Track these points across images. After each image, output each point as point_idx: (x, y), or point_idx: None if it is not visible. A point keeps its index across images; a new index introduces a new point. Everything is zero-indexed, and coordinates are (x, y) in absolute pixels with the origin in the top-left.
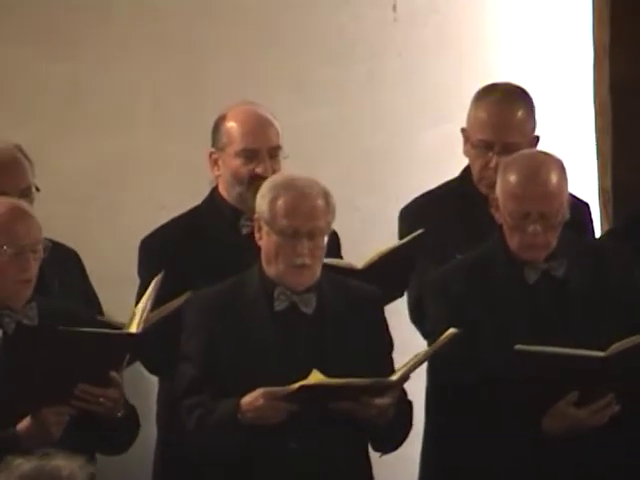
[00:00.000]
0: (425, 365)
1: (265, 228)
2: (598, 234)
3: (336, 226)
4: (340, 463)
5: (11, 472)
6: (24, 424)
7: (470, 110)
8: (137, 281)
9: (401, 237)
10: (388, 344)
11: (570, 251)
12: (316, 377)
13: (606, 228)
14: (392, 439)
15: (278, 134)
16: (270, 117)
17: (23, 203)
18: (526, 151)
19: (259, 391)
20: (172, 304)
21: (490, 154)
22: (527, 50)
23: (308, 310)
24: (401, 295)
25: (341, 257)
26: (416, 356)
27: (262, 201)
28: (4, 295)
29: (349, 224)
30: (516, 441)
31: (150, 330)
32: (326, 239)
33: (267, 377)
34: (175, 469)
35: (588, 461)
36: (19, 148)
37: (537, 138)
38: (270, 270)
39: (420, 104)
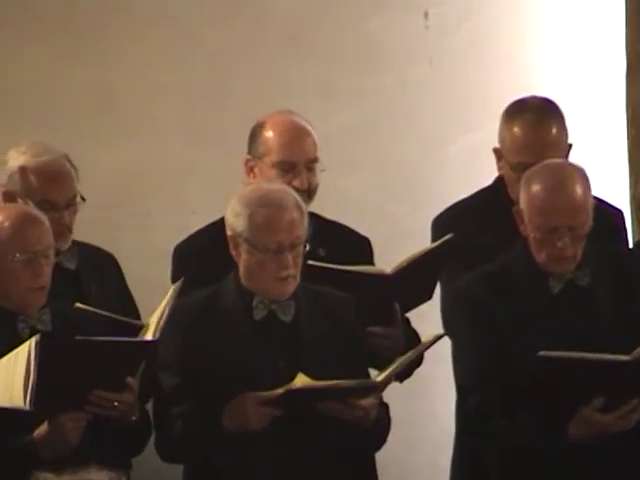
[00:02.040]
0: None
1: (245, 246)
2: (631, 241)
3: (365, 232)
4: (331, 470)
5: None
6: (41, 431)
7: (503, 130)
8: (169, 287)
9: None
10: (363, 349)
11: (594, 260)
12: (302, 380)
13: (639, 235)
14: (374, 440)
15: (315, 146)
16: (308, 128)
17: (33, 209)
18: (548, 162)
19: (243, 396)
20: (168, 300)
21: None
22: (560, 59)
23: (287, 318)
24: (429, 298)
25: (373, 264)
26: (401, 358)
27: (237, 219)
28: (18, 302)
29: (378, 231)
30: (542, 448)
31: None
32: (306, 247)
33: (248, 386)
34: (203, 472)
35: (614, 467)
36: (67, 157)
37: (570, 145)
38: (252, 284)
39: (450, 112)
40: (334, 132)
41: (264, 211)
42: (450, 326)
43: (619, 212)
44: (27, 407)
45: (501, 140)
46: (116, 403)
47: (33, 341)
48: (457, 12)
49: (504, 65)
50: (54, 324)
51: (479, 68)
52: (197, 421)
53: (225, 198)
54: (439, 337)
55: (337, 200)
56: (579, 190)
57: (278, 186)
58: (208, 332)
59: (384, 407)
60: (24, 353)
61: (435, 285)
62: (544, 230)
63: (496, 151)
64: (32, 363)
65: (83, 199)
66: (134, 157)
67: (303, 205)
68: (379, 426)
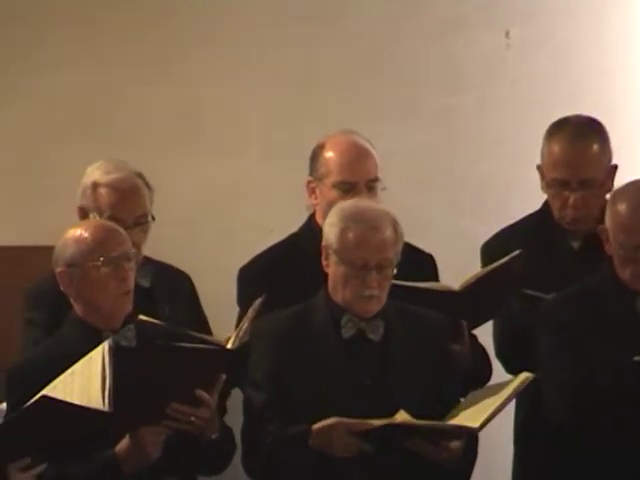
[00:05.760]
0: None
1: (333, 257)
2: None
3: (441, 251)
4: None
5: None
6: (122, 444)
7: (543, 147)
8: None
9: None
10: (454, 370)
11: None
12: (403, 417)
13: None
14: (457, 478)
15: (376, 165)
16: (369, 147)
17: (107, 221)
18: (635, 181)
19: (333, 420)
20: (249, 315)
21: (567, 192)
22: None
23: (375, 337)
24: (496, 316)
25: (437, 281)
26: (495, 402)
27: (331, 230)
28: (107, 311)
29: (454, 250)
30: (628, 460)
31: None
32: (394, 270)
33: (335, 404)
34: None
35: None
36: (140, 175)
37: (615, 167)
38: (337, 297)
39: (531, 132)
40: (414, 151)
41: (356, 227)
42: (510, 350)
43: None
44: (107, 409)
45: (542, 156)
46: (193, 418)
47: (106, 344)
48: (539, 31)
49: (587, 84)
50: (139, 340)
51: (561, 87)
52: (285, 440)
53: (301, 216)
54: (530, 380)
55: (414, 218)
56: None
57: (378, 206)
58: (298, 349)
59: (473, 439)
60: (97, 357)
61: (503, 302)
62: (628, 248)
63: (538, 168)
64: (107, 366)
65: (153, 218)
66: (212, 175)
67: (400, 229)
68: (463, 465)
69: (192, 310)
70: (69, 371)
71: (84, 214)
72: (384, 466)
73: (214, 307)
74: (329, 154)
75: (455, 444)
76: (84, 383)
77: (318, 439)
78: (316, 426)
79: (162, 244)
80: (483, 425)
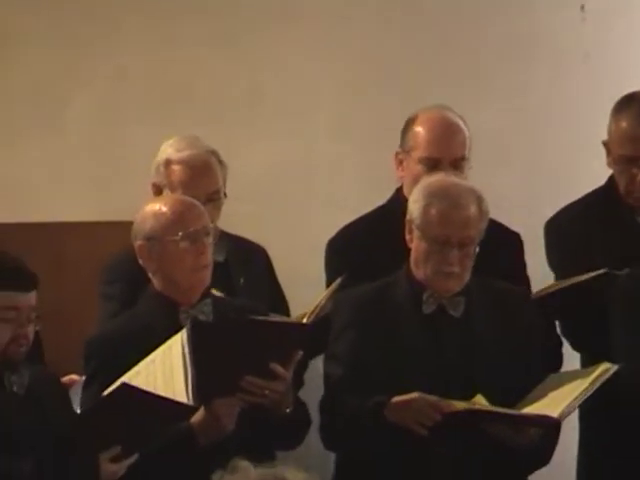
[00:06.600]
0: None
1: (416, 233)
2: None
3: (514, 228)
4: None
5: (244, 476)
6: (197, 417)
7: (610, 123)
8: (321, 281)
9: (547, 250)
10: (538, 343)
11: None
12: (481, 402)
13: None
14: (533, 462)
15: (464, 144)
16: (459, 125)
17: (185, 196)
18: None
19: (416, 395)
20: (328, 292)
21: (635, 169)
22: None
23: (456, 313)
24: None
25: (523, 260)
26: (574, 390)
27: (414, 206)
28: (184, 286)
29: (528, 227)
30: None
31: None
32: (477, 248)
33: (416, 379)
34: (357, 464)
35: None
36: (214, 152)
37: None
38: (418, 273)
39: (605, 108)
40: (486, 127)
41: (439, 203)
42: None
43: None
44: (192, 403)
45: (608, 132)
46: (267, 391)
47: (184, 333)
48: (615, 4)
49: None
50: (215, 314)
51: (635, 62)
52: (362, 411)
53: (374, 192)
54: (611, 370)
55: (488, 195)
56: None
57: (463, 182)
58: (378, 323)
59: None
60: (177, 346)
61: (588, 314)
62: None
63: (605, 144)
64: (187, 357)
65: (225, 195)
66: (284, 152)
67: (486, 207)
68: (542, 447)
69: (268, 282)
70: (149, 359)
71: (158, 191)
72: (463, 445)
73: (286, 283)
74: (418, 128)
75: (534, 430)
76: (166, 374)
77: (396, 411)
78: (396, 398)
79: (234, 220)
80: (563, 414)
